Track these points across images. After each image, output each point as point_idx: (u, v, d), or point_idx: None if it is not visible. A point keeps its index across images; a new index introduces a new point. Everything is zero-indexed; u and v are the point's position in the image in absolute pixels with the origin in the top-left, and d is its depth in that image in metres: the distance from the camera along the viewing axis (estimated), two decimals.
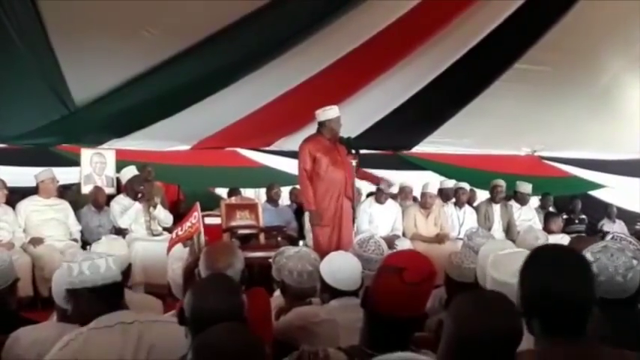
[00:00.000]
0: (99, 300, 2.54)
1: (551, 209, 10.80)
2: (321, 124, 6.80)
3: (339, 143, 6.72)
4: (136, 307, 3.88)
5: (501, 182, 9.51)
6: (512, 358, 1.81)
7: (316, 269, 3.65)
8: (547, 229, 8.59)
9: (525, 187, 9.78)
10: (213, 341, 1.64)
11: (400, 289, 2.29)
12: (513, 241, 8.30)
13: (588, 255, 2.63)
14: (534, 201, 10.65)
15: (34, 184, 7.62)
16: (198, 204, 4.99)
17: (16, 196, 7.58)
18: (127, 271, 4.13)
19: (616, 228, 10.08)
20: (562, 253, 2.07)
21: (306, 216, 8.46)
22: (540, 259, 2.02)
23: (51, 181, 7.59)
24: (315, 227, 6.85)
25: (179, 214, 8.51)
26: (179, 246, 7.28)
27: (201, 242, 4.75)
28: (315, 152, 6.69)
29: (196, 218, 4.83)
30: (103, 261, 2.55)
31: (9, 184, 7.39)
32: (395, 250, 6.51)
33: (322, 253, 4.43)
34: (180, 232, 4.92)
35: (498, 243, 4.69)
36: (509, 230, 9.21)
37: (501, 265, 2.46)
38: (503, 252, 2.57)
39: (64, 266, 2.62)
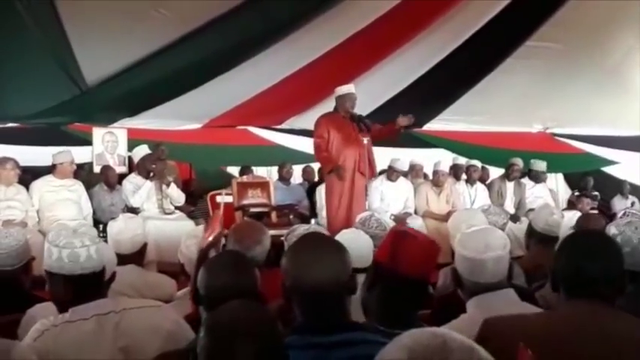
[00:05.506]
0: (75, 288, 2.49)
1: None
2: (336, 101, 6.98)
3: (351, 120, 6.81)
4: (150, 286, 3.93)
5: (519, 161, 9.52)
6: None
7: None
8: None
9: (540, 165, 9.77)
10: (225, 318, 1.65)
11: (411, 243, 2.32)
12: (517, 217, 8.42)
13: (613, 229, 2.65)
14: None
15: (46, 164, 7.63)
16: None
17: (28, 175, 7.56)
18: (142, 250, 4.18)
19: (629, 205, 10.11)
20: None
21: (318, 194, 8.50)
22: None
23: (69, 164, 7.57)
24: (330, 196, 6.98)
25: (190, 193, 8.57)
26: (191, 224, 7.35)
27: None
28: (329, 127, 6.87)
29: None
30: (85, 250, 2.46)
31: (21, 164, 7.36)
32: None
33: (335, 230, 4.45)
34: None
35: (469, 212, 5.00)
36: (519, 207, 9.21)
37: (468, 242, 2.53)
38: (469, 230, 2.63)
39: (45, 247, 2.57)
